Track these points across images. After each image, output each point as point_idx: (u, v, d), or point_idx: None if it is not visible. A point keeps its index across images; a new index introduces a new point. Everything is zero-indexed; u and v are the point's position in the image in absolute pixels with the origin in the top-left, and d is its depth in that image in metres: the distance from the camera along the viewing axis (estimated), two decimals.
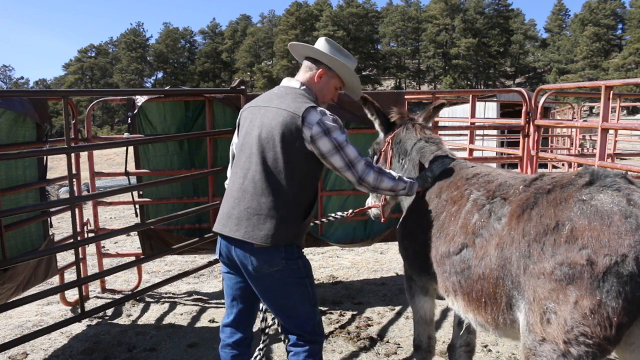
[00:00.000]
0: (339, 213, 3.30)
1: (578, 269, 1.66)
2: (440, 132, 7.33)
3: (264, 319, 2.71)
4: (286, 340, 2.49)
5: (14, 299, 3.61)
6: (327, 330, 4.13)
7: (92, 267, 5.65)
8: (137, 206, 4.77)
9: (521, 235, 1.89)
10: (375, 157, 3.10)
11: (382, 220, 3.03)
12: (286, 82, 2.52)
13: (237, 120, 2.58)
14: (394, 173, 2.49)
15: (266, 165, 2.29)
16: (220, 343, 2.57)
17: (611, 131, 9.25)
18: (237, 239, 2.31)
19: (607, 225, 1.66)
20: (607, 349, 1.68)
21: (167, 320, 4.50)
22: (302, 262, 2.40)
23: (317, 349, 2.44)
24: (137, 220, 4.93)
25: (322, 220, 3.69)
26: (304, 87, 2.45)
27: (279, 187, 2.28)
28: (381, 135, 3.08)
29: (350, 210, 3.20)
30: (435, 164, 2.67)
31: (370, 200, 3.18)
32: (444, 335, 3.99)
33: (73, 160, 4.01)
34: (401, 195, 2.56)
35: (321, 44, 2.52)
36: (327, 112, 2.35)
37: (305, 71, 2.51)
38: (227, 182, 2.68)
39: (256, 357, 2.71)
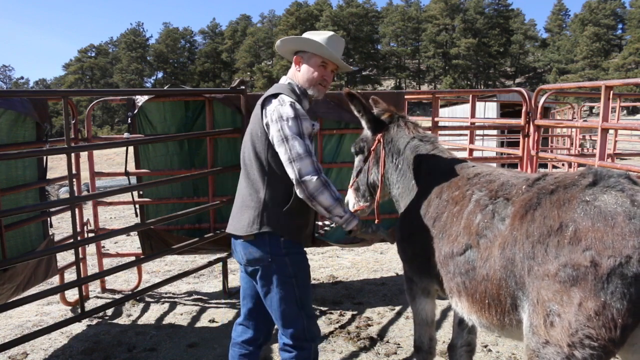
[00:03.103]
0: (327, 222, 3.21)
1: (582, 271, 1.64)
2: (440, 132, 7.33)
3: None
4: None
5: (14, 299, 3.61)
6: (327, 330, 4.13)
7: (92, 267, 5.65)
8: (137, 206, 4.77)
9: (525, 236, 1.87)
10: (362, 156, 2.96)
11: (376, 221, 2.96)
12: (280, 80, 2.57)
13: None
14: (338, 194, 2.27)
15: (249, 159, 2.38)
16: (230, 341, 2.56)
17: (611, 131, 9.25)
18: (232, 235, 2.42)
19: (610, 226, 1.64)
20: (611, 351, 1.66)
21: (167, 320, 4.50)
22: (290, 260, 2.31)
23: (304, 356, 2.32)
24: (137, 220, 4.93)
25: (320, 232, 3.61)
26: (289, 81, 2.48)
27: (254, 177, 2.35)
28: (367, 132, 2.91)
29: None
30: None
31: (353, 202, 3.05)
32: (444, 335, 3.98)
33: (73, 160, 4.00)
34: (335, 221, 2.30)
35: (291, 36, 2.53)
36: (289, 101, 2.25)
37: (291, 68, 2.55)
38: None
39: None
